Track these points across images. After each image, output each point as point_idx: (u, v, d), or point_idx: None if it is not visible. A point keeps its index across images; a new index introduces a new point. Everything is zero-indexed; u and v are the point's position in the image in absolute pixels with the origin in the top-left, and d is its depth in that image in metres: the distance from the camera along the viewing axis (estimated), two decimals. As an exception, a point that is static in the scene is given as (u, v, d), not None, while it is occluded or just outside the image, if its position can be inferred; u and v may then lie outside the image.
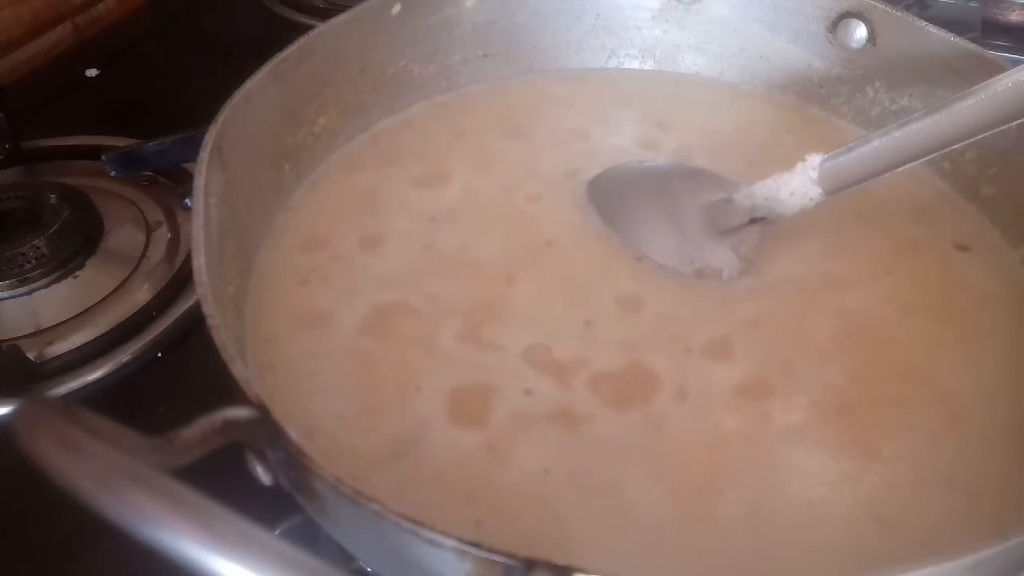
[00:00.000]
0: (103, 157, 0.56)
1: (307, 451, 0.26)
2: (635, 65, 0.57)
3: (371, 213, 0.45)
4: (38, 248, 0.52)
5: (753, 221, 0.41)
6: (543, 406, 0.36)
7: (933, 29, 0.46)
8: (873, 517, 0.33)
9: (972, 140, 0.35)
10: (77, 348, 0.48)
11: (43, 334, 0.49)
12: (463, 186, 0.47)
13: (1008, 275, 0.43)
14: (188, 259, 0.44)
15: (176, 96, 0.69)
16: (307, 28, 0.45)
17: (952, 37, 0.45)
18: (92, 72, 0.74)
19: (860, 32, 0.49)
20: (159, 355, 0.49)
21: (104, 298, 0.51)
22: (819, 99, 0.52)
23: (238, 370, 0.28)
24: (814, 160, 0.39)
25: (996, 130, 0.35)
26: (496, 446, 0.34)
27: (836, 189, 0.39)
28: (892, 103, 0.49)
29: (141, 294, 0.51)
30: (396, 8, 0.49)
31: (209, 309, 0.30)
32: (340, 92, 0.48)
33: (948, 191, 0.47)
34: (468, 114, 0.52)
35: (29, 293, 0.51)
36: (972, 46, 0.44)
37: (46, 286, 0.51)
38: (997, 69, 0.38)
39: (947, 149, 0.36)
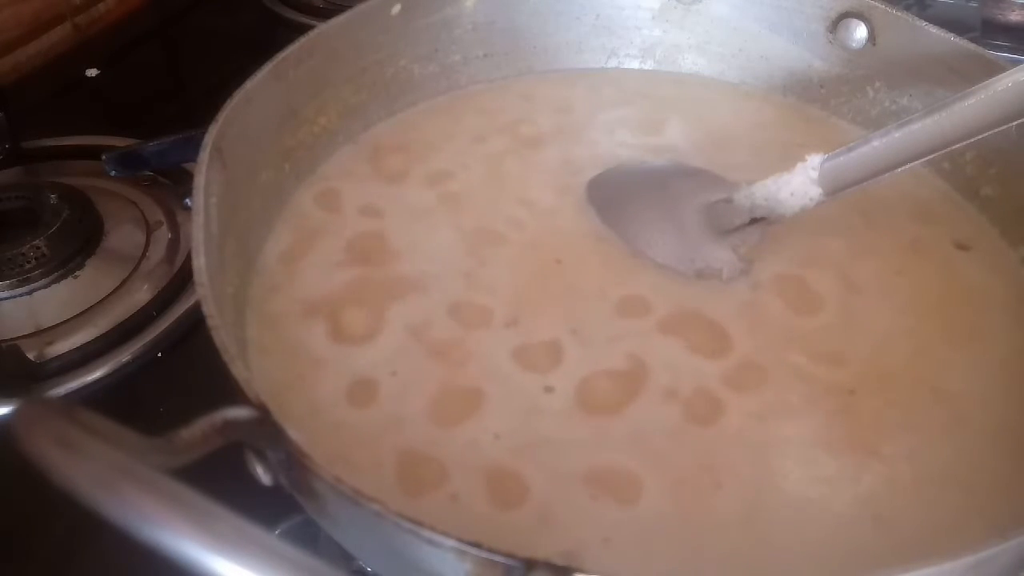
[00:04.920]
0: (103, 157, 0.56)
1: (307, 451, 0.26)
2: (635, 65, 0.57)
3: (371, 214, 0.45)
4: (38, 248, 0.52)
5: (753, 221, 0.41)
6: (541, 407, 0.36)
7: (933, 29, 0.46)
8: (872, 515, 0.33)
9: (972, 140, 0.35)
10: (77, 348, 0.48)
11: (43, 334, 0.49)
12: (464, 186, 0.47)
13: (1008, 275, 0.43)
14: (188, 259, 0.44)
15: (176, 96, 0.70)
16: (307, 28, 0.45)
17: (952, 37, 0.45)
18: (92, 72, 0.74)
19: (860, 32, 0.49)
20: (159, 355, 0.49)
21: (104, 298, 0.51)
22: (819, 99, 0.53)
23: (238, 370, 0.28)
24: (814, 160, 0.39)
25: (996, 130, 0.35)
26: (491, 446, 0.35)
27: (836, 189, 0.39)
28: (892, 103, 0.49)
29: (141, 294, 0.51)
30: (396, 8, 0.49)
31: (209, 309, 0.30)
32: (340, 92, 0.48)
33: (948, 191, 0.47)
34: (468, 114, 0.52)
35: (29, 293, 0.51)
36: (972, 46, 0.44)
37: (46, 286, 0.51)
38: (997, 69, 0.38)
39: (947, 149, 0.36)
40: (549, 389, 0.37)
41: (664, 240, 0.43)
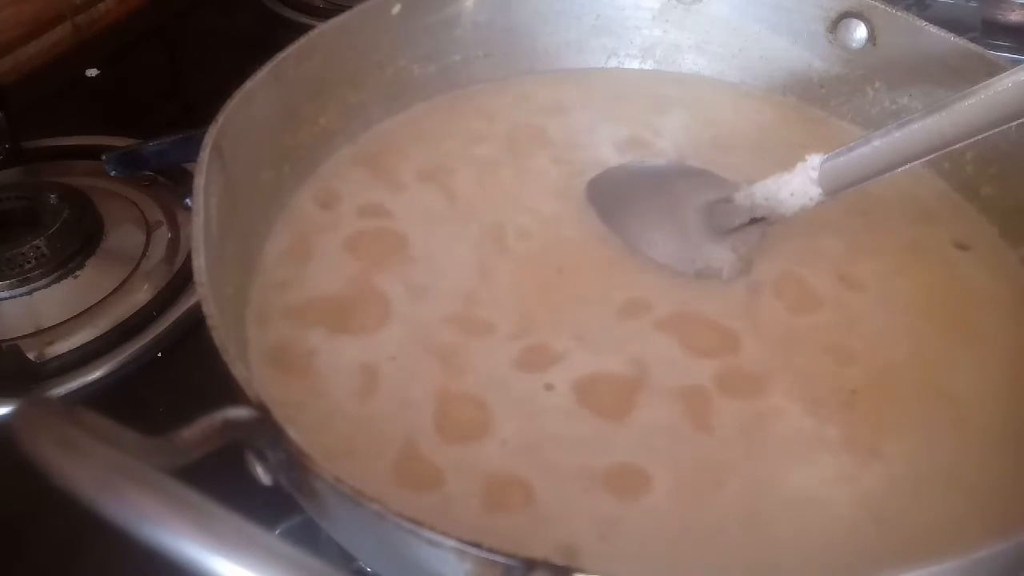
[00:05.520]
0: (103, 157, 0.56)
1: (307, 451, 0.26)
2: (635, 65, 0.57)
3: (371, 214, 0.45)
4: (38, 248, 0.52)
5: (753, 221, 0.41)
6: (542, 405, 0.36)
7: (933, 29, 0.46)
8: (873, 515, 0.33)
9: (972, 140, 0.35)
10: (77, 348, 0.48)
11: (43, 334, 0.49)
12: (464, 186, 0.47)
13: (1008, 275, 0.43)
14: (188, 259, 0.44)
15: (176, 96, 0.70)
16: (307, 28, 0.45)
17: (952, 37, 0.45)
18: (92, 72, 0.74)
19: (860, 32, 0.49)
20: (159, 355, 0.49)
21: (104, 298, 0.51)
22: (819, 99, 0.52)
23: (238, 370, 0.28)
24: (814, 160, 0.39)
25: (996, 130, 0.35)
26: (492, 445, 0.35)
27: (836, 189, 0.39)
28: (892, 103, 0.49)
29: (141, 294, 0.51)
30: (396, 8, 0.49)
31: (209, 309, 0.30)
32: (340, 92, 0.48)
33: (948, 191, 0.47)
34: (468, 114, 0.52)
35: (29, 293, 0.51)
36: (972, 46, 0.44)
37: (46, 286, 0.51)
38: (997, 69, 0.38)
39: (947, 149, 0.36)
40: (549, 387, 0.37)
41: (664, 240, 0.43)
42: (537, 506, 0.33)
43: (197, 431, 0.24)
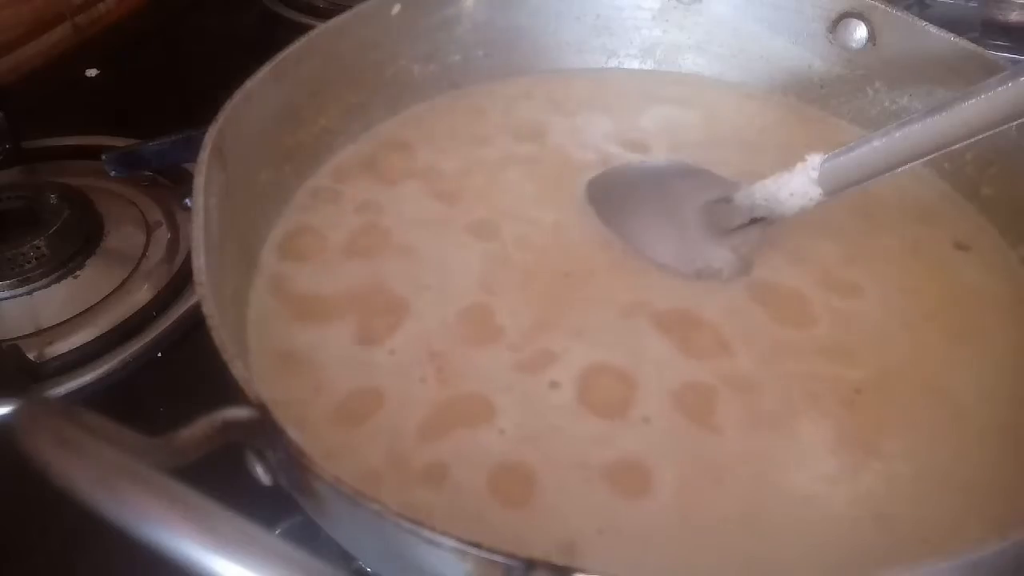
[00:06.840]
0: (103, 157, 0.56)
1: (307, 451, 0.26)
2: (635, 65, 0.57)
3: (371, 214, 0.45)
4: (38, 248, 0.52)
5: (753, 221, 0.41)
6: (545, 402, 0.36)
7: (933, 29, 0.46)
8: (872, 514, 0.33)
9: (972, 140, 0.35)
10: (77, 348, 0.48)
11: (43, 334, 0.48)
12: (464, 187, 0.47)
13: (1008, 275, 0.43)
14: (188, 259, 0.44)
15: (176, 96, 0.69)
16: (307, 28, 0.45)
17: (952, 37, 0.45)
18: (92, 72, 0.74)
19: (860, 32, 0.49)
20: (159, 355, 0.48)
21: (104, 298, 0.51)
22: (819, 99, 0.53)
23: (238, 370, 0.28)
24: (814, 160, 0.39)
25: (996, 130, 0.35)
26: (495, 440, 0.35)
27: (836, 189, 0.39)
28: (892, 103, 0.49)
29: (141, 294, 0.51)
30: (396, 8, 0.49)
31: (209, 309, 0.30)
32: (340, 92, 0.48)
33: (948, 191, 0.47)
34: (468, 114, 0.52)
35: (29, 293, 0.51)
36: (972, 46, 0.44)
37: (46, 286, 0.51)
38: (997, 69, 0.38)
39: (947, 149, 0.36)
40: (554, 385, 0.37)
41: (664, 241, 0.43)
42: (538, 502, 0.33)
43: (197, 431, 0.24)
